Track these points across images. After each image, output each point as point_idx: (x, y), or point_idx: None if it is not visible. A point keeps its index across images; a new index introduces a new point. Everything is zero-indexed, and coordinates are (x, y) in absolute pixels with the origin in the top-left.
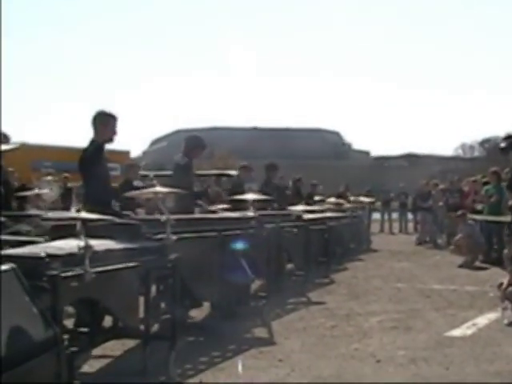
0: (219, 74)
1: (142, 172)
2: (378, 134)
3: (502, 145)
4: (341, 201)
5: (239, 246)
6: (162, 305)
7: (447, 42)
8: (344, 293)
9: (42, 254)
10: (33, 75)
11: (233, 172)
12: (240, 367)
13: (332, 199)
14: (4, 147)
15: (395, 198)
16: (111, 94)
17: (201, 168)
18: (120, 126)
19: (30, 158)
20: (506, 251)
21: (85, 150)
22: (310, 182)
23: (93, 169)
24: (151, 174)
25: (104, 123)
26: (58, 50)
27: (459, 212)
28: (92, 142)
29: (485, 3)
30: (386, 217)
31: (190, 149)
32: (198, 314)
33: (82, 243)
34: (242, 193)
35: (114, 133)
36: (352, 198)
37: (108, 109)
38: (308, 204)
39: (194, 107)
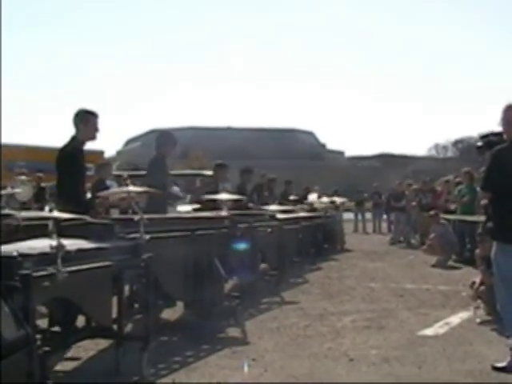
0: (196, 74)
1: (116, 172)
2: (352, 134)
3: (479, 144)
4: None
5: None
6: (136, 304)
7: (422, 42)
8: (317, 292)
9: (14, 254)
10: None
11: (207, 172)
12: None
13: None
14: None
15: (369, 198)
16: (86, 92)
17: (175, 168)
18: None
19: (2, 157)
20: (477, 251)
21: (65, 147)
22: (284, 180)
23: (72, 166)
24: (125, 173)
25: (85, 121)
26: (33, 48)
27: (432, 212)
28: (73, 139)
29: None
30: (360, 217)
31: (161, 146)
32: (171, 313)
33: (54, 242)
34: (216, 193)
35: (95, 130)
36: (320, 199)
37: (88, 107)
38: (282, 204)
39: (170, 107)
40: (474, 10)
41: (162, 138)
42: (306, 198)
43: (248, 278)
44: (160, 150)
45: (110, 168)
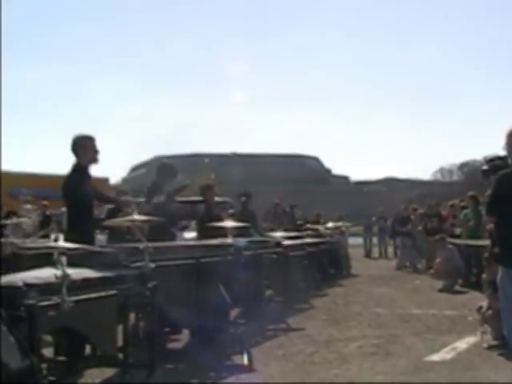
0: (200, 102)
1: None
2: (357, 158)
3: (485, 167)
4: (318, 227)
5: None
6: (141, 333)
7: (425, 66)
8: (324, 318)
9: (19, 283)
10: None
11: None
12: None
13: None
14: None
15: (375, 223)
16: (89, 120)
17: (182, 195)
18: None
19: (7, 184)
20: (484, 275)
21: (69, 175)
22: (289, 204)
23: (77, 193)
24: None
25: (83, 147)
26: (34, 78)
27: (438, 236)
28: (75, 166)
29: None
30: (368, 241)
31: (160, 174)
32: (177, 341)
33: (59, 272)
34: (216, 219)
35: (95, 152)
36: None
37: (83, 132)
38: (288, 229)
39: (175, 134)
40: (476, 34)
41: (164, 168)
42: (317, 223)
43: (253, 304)
44: (159, 179)
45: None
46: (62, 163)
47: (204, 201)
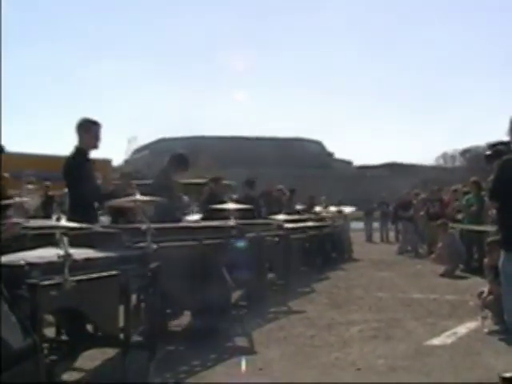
0: (204, 83)
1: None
2: (360, 143)
3: (488, 152)
4: (321, 210)
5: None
6: (142, 314)
7: (428, 52)
8: (325, 302)
9: (22, 263)
10: (15, 84)
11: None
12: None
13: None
14: None
15: (377, 208)
16: (94, 101)
17: (184, 177)
18: (103, 134)
19: (10, 166)
20: (486, 260)
21: (69, 158)
22: (289, 188)
23: (77, 176)
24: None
25: (87, 130)
26: (40, 58)
27: (440, 221)
28: (76, 149)
29: (468, 10)
30: (369, 226)
31: (172, 164)
32: (178, 322)
33: (61, 252)
34: (220, 203)
35: (97, 139)
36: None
37: (91, 116)
38: (288, 213)
39: (178, 116)
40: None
41: (177, 158)
42: (311, 206)
43: (255, 287)
44: (169, 168)
45: (129, 178)
46: (64, 144)
47: (209, 189)
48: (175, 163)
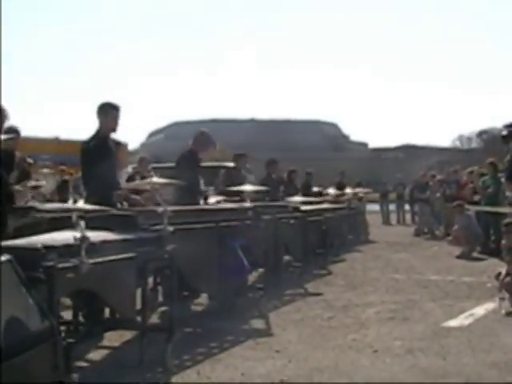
0: (219, 66)
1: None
2: (375, 125)
3: (504, 133)
4: (339, 192)
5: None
6: (159, 296)
7: (446, 34)
8: (341, 284)
9: (39, 245)
10: (30, 71)
11: (230, 164)
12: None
13: (331, 190)
14: (3, 137)
15: (393, 190)
16: (110, 86)
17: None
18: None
19: (26, 150)
20: (503, 242)
21: (88, 141)
22: (305, 171)
23: (96, 160)
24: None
25: (105, 114)
26: (57, 46)
27: (456, 203)
28: (96, 133)
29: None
30: (385, 208)
31: (198, 143)
32: (195, 305)
33: (78, 234)
34: (240, 184)
35: (115, 123)
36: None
37: (111, 100)
38: (305, 195)
39: (192, 100)
40: None
41: (202, 137)
42: (342, 187)
43: (271, 269)
44: (195, 147)
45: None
46: (82, 129)
47: (233, 167)
48: (201, 143)
